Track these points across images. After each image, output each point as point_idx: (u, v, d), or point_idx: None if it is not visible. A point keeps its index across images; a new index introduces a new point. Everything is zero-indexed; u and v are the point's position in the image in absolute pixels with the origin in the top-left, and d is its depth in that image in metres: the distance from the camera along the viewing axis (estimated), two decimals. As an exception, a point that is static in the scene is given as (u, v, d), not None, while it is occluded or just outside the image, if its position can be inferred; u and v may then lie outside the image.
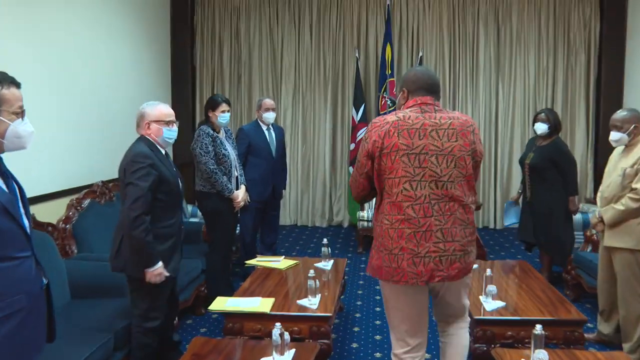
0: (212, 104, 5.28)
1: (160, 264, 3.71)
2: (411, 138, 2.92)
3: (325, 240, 5.36)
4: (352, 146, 8.42)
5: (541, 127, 6.12)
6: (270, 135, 6.25)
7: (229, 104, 5.28)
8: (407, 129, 2.94)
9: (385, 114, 7.09)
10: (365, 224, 7.46)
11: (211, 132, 5.16)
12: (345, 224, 9.31)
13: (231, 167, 5.22)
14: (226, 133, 5.33)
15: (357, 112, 8.47)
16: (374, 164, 2.99)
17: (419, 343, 3.15)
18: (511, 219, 6.68)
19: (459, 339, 3.35)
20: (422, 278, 2.96)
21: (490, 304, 4.26)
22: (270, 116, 6.15)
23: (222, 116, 5.24)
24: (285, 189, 6.74)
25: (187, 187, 5.83)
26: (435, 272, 2.96)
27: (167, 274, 3.78)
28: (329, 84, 8.99)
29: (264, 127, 6.19)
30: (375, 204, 3.08)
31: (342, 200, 9.24)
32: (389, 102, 8.20)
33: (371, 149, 2.97)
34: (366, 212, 7.44)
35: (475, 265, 4.55)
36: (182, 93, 8.76)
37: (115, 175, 4.80)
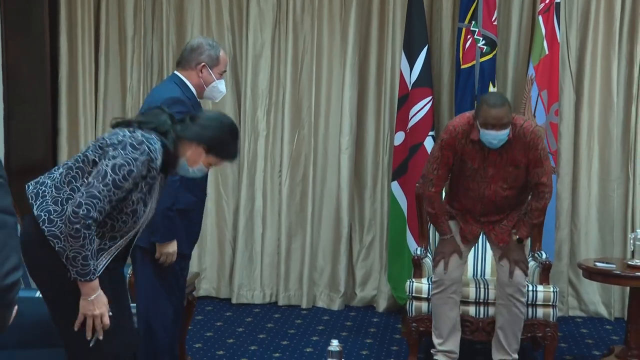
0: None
1: None
2: None
3: (335, 343, 4.16)
4: (401, 136, 6.17)
5: None
6: None
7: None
8: None
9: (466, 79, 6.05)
10: (424, 306, 5.24)
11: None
12: (383, 306, 6.92)
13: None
14: None
15: (412, 64, 6.34)
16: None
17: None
18: None
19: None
20: None
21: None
22: (222, 87, 4.53)
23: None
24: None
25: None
26: None
27: None
28: (352, 6, 6.64)
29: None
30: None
31: (375, 253, 6.92)
32: (481, 43, 5.88)
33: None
34: (425, 284, 5.43)
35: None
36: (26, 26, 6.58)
37: None
